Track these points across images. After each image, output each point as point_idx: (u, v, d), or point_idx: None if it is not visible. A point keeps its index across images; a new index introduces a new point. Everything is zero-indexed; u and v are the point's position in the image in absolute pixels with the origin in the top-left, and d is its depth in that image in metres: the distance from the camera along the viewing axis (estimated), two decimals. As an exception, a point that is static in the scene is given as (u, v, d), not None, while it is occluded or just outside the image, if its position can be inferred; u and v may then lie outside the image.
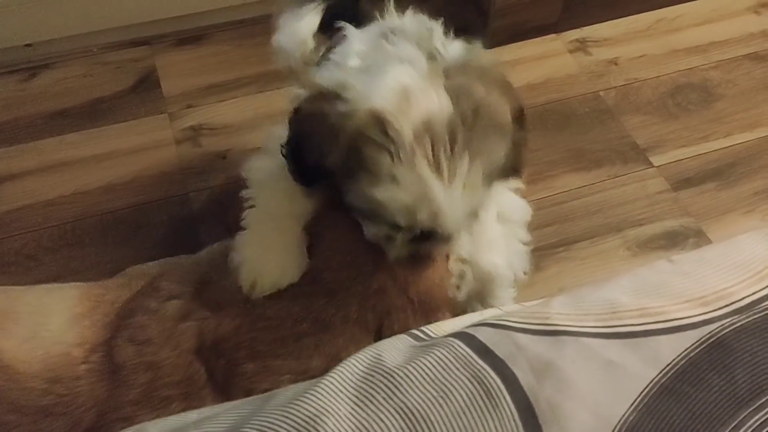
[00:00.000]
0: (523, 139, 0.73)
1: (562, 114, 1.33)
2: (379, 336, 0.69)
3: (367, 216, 0.70)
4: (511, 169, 0.72)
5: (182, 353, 0.69)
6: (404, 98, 0.63)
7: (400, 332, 0.58)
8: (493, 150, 0.66)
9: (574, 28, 1.45)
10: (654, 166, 1.25)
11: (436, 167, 0.62)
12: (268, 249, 0.74)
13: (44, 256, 1.11)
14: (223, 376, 0.68)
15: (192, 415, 0.50)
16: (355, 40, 0.74)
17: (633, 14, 1.48)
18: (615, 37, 1.45)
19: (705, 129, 1.31)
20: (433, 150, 0.62)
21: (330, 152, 0.65)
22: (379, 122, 0.62)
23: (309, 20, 0.88)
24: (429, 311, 0.72)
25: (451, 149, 0.62)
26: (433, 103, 0.63)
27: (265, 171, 0.77)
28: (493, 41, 1.41)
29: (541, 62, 1.41)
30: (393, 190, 0.63)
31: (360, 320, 0.69)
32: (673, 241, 1.16)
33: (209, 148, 1.26)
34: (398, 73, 0.65)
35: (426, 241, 0.68)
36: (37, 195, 1.18)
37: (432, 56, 0.70)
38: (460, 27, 1.46)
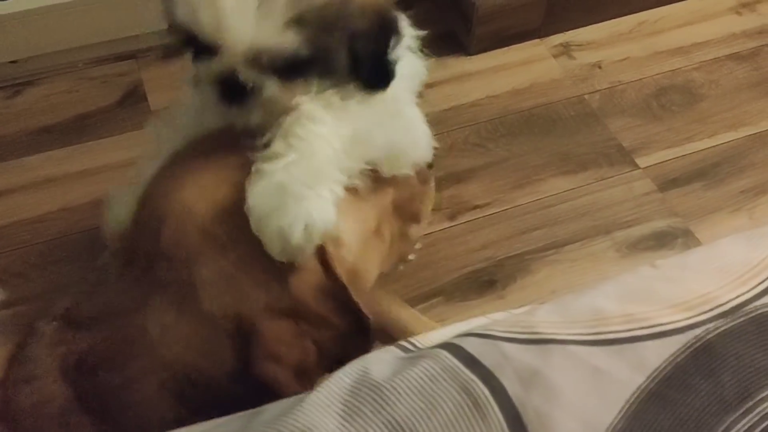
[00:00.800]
0: (381, 45, 0.69)
1: (547, 118, 1.33)
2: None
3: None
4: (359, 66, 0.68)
5: (56, 381, 0.65)
6: None
7: None
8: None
9: (558, 32, 1.46)
10: (640, 168, 1.26)
11: None
12: None
13: (32, 273, 1.10)
14: (93, 397, 0.64)
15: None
16: None
17: (615, 17, 1.49)
18: (598, 41, 1.46)
19: (689, 129, 1.32)
20: None
21: None
22: None
23: None
24: None
25: None
26: None
27: None
28: (478, 47, 1.42)
29: (525, 67, 1.41)
30: None
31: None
32: (662, 241, 1.16)
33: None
34: None
35: (239, 93, 0.65)
36: (24, 212, 1.18)
37: None
38: (444, 33, 1.47)
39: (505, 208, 1.21)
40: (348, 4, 0.66)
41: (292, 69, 0.65)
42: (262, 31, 0.61)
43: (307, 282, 0.65)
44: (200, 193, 0.66)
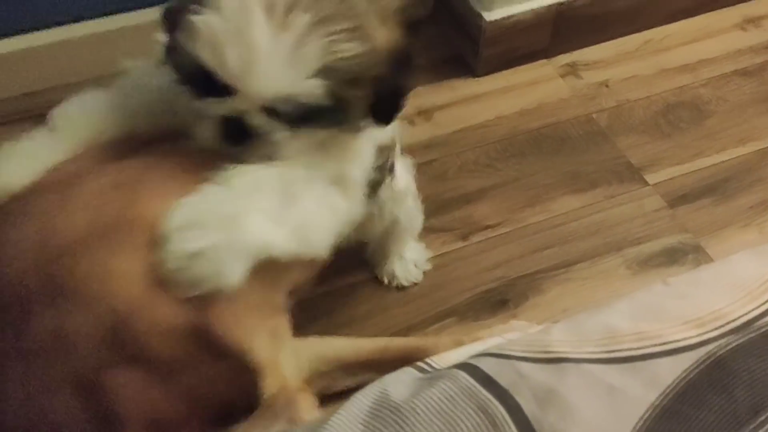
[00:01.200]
0: (398, 85, 0.66)
1: (556, 138, 1.35)
2: None
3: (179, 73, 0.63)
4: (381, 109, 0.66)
5: None
6: None
7: None
8: (342, 39, 0.59)
9: (564, 52, 1.48)
10: (649, 185, 1.27)
11: (267, 7, 0.56)
12: None
13: None
14: None
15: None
16: None
17: (621, 36, 1.51)
18: (605, 60, 1.48)
19: (698, 146, 1.33)
20: None
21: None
22: None
23: None
24: None
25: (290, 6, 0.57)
26: None
27: None
28: (485, 69, 1.44)
29: (533, 88, 1.43)
30: (210, 15, 0.57)
31: None
32: (673, 257, 1.17)
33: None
34: None
35: (240, 135, 0.62)
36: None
37: None
38: (451, 56, 1.50)
39: (517, 227, 1.22)
40: (375, 53, 0.63)
41: (306, 117, 0.62)
42: (289, 79, 0.58)
43: (155, 324, 0.56)
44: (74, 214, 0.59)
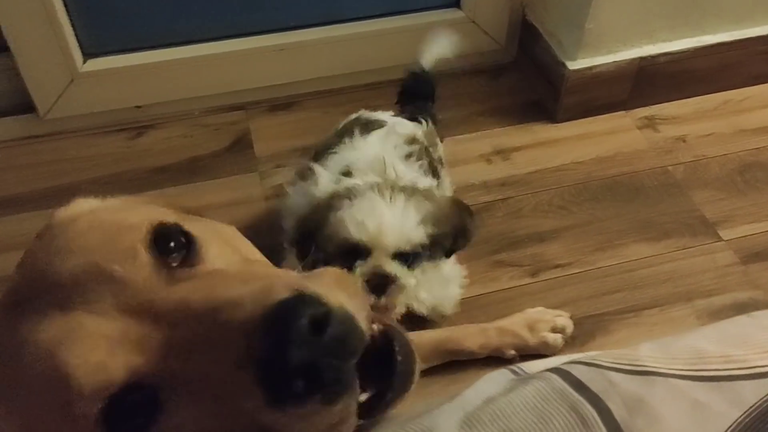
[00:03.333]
0: (463, 226, 0.99)
1: (630, 186, 1.38)
2: None
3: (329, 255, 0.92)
4: (450, 249, 1.00)
5: None
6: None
7: None
8: (428, 211, 0.92)
9: (643, 106, 1.52)
10: (723, 240, 1.28)
11: (381, 193, 0.91)
12: None
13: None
14: None
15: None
16: (320, 174, 1.02)
17: (701, 95, 1.54)
18: (683, 116, 1.51)
19: (774, 206, 1.34)
20: (380, 189, 0.91)
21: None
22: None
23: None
24: None
25: (392, 191, 0.92)
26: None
27: None
28: (565, 116, 1.49)
29: (610, 137, 1.47)
30: (349, 208, 0.90)
31: None
32: (742, 312, 1.16)
33: (296, 205, 1.35)
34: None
35: (382, 286, 0.92)
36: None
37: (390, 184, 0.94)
38: (532, 101, 1.56)
39: (587, 269, 1.25)
40: (446, 205, 0.97)
41: (416, 257, 0.93)
42: (405, 231, 0.90)
43: None
44: None
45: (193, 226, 0.48)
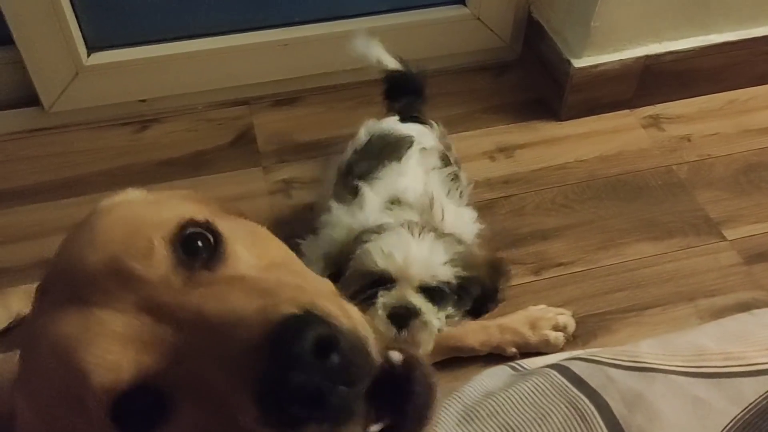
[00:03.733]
0: (494, 287, 0.96)
1: (634, 185, 1.38)
2: None
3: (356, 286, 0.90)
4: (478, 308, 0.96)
5: None
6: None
7: None
8: (457, 253, 0.90)
9: (648, 105, 1.52)
10: (727, 240, 1.28)
11: (411, 230, 0.90)
12: None
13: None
14: None
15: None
16: (369, 198, 1.01)
17: (706, 94, 1.54)
18: (688, 115, 1.51)
19: (778, 207, 1.33)
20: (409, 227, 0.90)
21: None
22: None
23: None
24: None
25: (421, 230, 0.90)
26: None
27: None
28: (569, 114, 1.49)
29: (614, 135, 1.47)
30: (377, 239, 0.89)
31: None
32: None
33: (299, 200, 1.35)
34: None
35: (405, 319, 0.88)
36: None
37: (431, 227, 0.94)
38: (536, 99, 1.55)
39: (589, 267, 1.25)
40: (481, 264, 0.94)
41: (442, 296, 0.89)
42: (431, 265, 0.88)
43: None
44: None
45: (225, 225, 0.47)
